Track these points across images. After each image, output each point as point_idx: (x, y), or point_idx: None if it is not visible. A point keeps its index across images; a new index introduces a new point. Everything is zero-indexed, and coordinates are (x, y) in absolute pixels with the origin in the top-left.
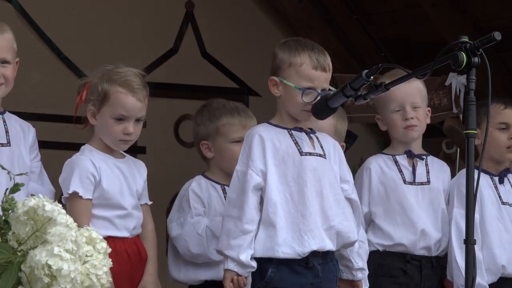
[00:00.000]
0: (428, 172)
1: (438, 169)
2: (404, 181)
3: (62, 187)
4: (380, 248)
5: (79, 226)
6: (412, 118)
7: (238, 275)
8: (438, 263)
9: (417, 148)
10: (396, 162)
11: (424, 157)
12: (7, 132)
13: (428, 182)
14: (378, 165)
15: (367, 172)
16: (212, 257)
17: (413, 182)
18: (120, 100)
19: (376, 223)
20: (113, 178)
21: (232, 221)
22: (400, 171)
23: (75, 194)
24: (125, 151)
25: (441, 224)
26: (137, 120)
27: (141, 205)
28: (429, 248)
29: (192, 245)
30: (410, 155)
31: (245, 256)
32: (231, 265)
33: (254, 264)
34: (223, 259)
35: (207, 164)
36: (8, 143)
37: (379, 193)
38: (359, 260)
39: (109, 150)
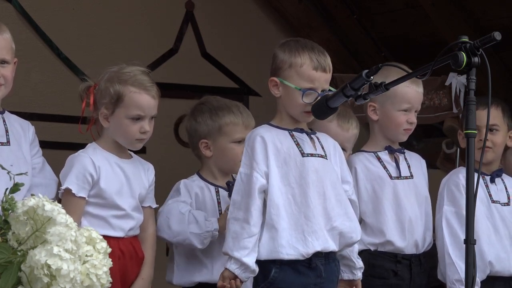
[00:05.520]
0: (409, 166)
1: (416, 163)
2: (390, 177)
3: (61, 181)
4: (372, 248)
5: None
6: (413, 123)
7: (236, 277)
8: (425, 259)
9: (395, 143)
10: (379, 158)
11: (403, 151)
12: (7, 131)
13: (412, 176)
14: (363, 163)
15: (353, 171)
16: (191, 240)
17: (399, 177)
18: (135, 100)
19: (366, 221)
20: (113, 178)
21: (238, 223)
22: (385, 167)
23: (68, 191)
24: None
25: (425, 218)
26: (151, 117)
27: (144, 207)
28: (417, 244)
29: (172, 221)
30: (391, 150)
31: (250, 259)
32: (232, 267)
33: (256, 268)
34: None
35: (202, 163)
36: (8, 142)
37: (367, 191)
38: (360, 259)
39: (116, 150)
